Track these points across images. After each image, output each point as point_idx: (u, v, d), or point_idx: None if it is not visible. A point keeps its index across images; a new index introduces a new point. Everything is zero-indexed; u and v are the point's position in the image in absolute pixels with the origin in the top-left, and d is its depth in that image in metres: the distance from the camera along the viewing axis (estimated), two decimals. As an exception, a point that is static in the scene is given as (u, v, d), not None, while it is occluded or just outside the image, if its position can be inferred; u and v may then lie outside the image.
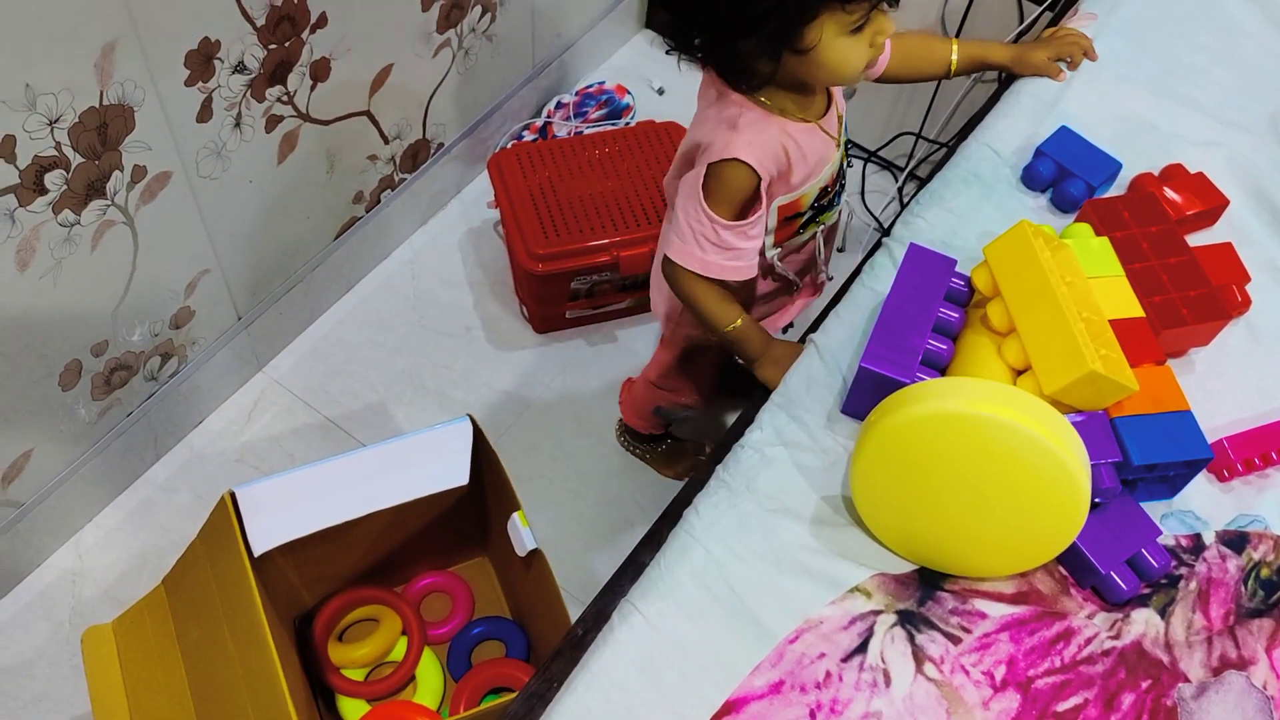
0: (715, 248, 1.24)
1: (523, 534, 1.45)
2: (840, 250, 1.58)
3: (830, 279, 1.54)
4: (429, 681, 1.63)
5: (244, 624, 1.33)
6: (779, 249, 1.36)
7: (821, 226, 1.40)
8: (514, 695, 1.30)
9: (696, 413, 1.75)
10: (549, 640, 1.49)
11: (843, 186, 1.40)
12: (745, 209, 1.24)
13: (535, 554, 1.45)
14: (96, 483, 1.74)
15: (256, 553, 1.34)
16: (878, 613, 1.02)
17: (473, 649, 1.69)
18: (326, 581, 1.62)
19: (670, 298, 1.49)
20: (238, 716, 1.35)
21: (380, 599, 1.67)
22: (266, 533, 1.35)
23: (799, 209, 1.31)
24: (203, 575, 1.41)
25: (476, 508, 1.61)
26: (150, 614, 1.52)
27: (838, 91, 1.29)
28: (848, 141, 1.39)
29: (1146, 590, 1.05)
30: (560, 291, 1.96)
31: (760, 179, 1.20)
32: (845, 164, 1.39)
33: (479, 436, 1.46)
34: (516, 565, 1.55)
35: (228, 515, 1.34)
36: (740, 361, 1.35)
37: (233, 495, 1.35)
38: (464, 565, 1.76)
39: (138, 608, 1.54)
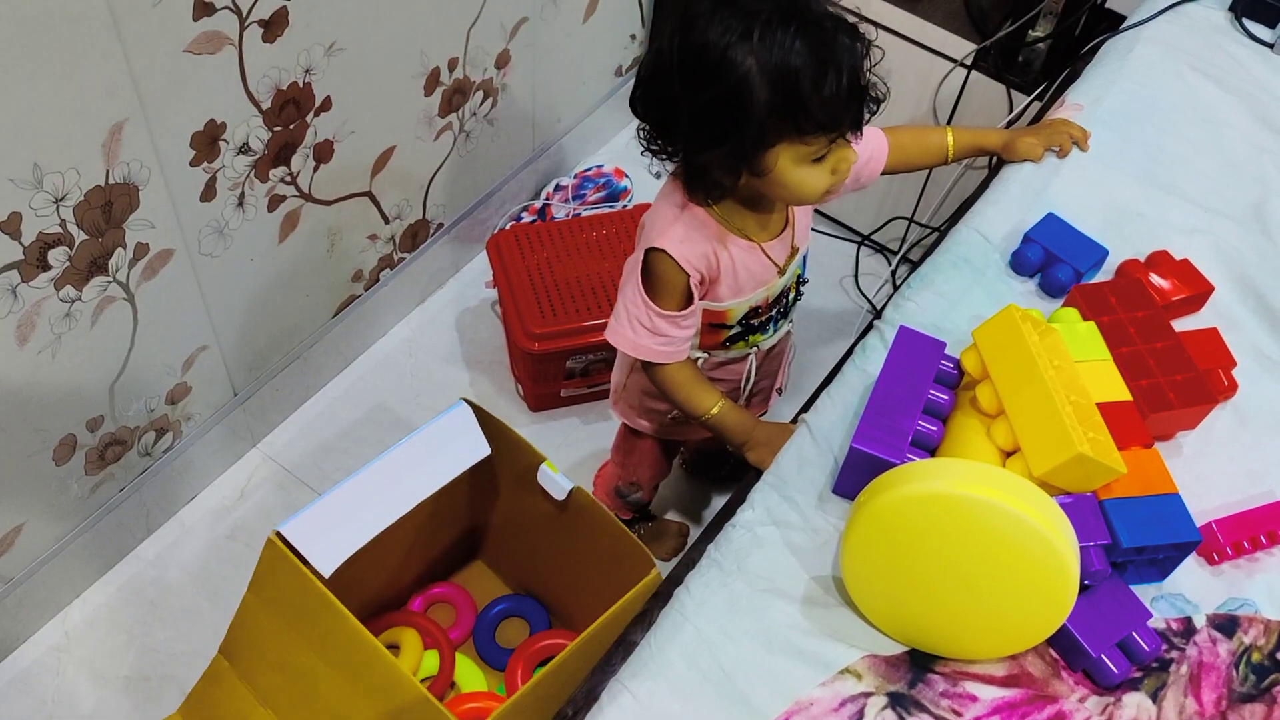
0: (647, 331, 1.25)
1: (556, 479, 1.47)
2: (780, 392, 1.58)
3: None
4: (470, 681, 1.66)
5: (338, 640, 1.34)
6: (705, 355, 1.38)
7: (755, 348, 1.40)
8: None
9: (642, 494, 1.76)
10: (609, 573, 1.46)
11: (781, 314, 1.39)
12: (685, 299, 1.25)
13: (573, 495, 1.47)
14: (86, 558, 1.74)
15: (326, 574, 1.34)
16: (868, 695, 1.02)
17: (496, 629, 1.75)
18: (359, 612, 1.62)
19: (620, 369, 1.51)
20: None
21: (394, 622, 1.69)
22: (329, 553, 1.35)
23: (724, 320, 1.32)
24: (268, 623, 1.41)
25: (474, 503, 1.67)
26: (216, 686, 1.52)
27: (801, 224, 1.31)
28: (801, 276, 1.38)
29: (1138, 674, 1.05)
30: (556, 370, 1.97)
31: (688, 275, 1.21)
32: (794, 295, 1.38)
33: (481, 413, 1.48)
34: (540, 526, 1.58)
35: (281, 554, 1.34)
36: (729, 448, 1.35)
37: (279, 535, 1.35)
38: (456, 575, 1.82)
39: (200, 686, 1.55)
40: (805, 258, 1.37)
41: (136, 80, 1.34)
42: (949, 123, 2.07)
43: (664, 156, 1.18)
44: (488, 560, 1.83)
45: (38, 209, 1.32)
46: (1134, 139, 1.57)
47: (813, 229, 2.32)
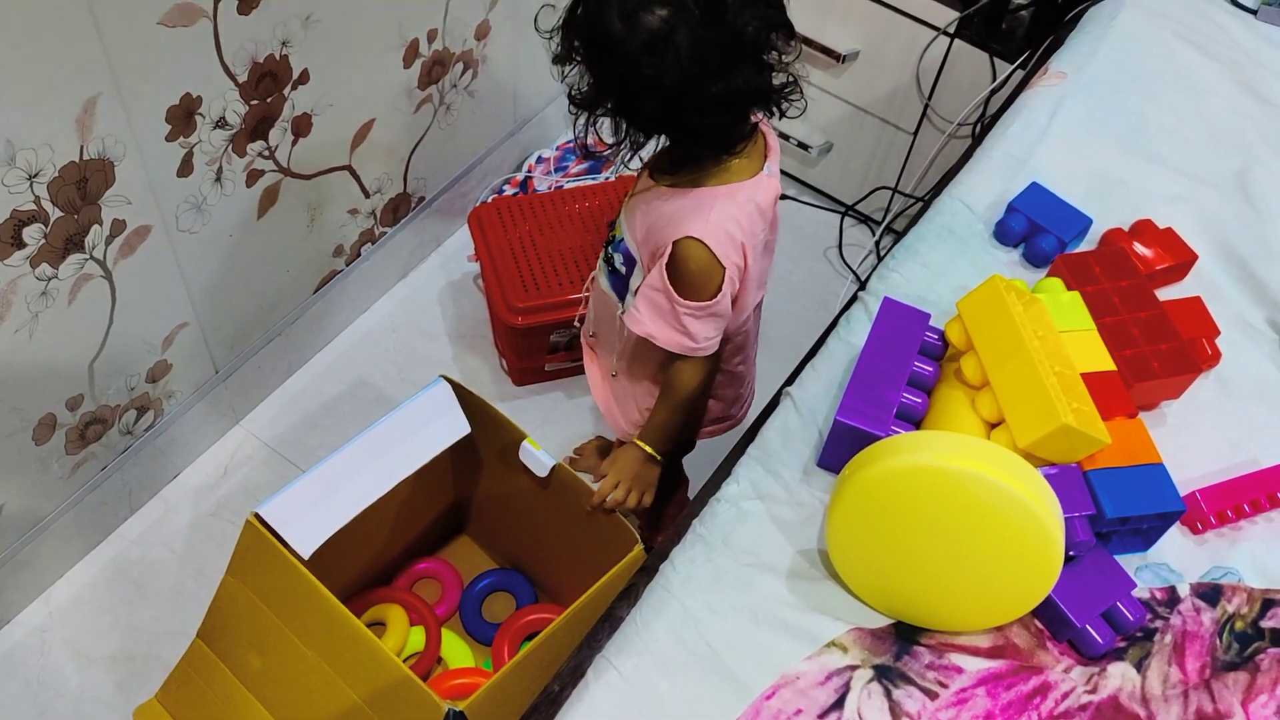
0: None
1: (538, 456, 1.47)
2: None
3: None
4: (456, 656, 1.67)
5: (319, 621, 1.33)
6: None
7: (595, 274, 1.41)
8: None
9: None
10: (594, 548, 1.47)
11: (606, 257, 1.35)
12: None
13: (555, 471, 1.47)
14: (69, 538, 1.72)
15: (305, 555, 1.33)
16: (854, 668, 1.02)
17: (482, 604, 1.75)
18: (344, 589, 1.64)
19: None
20: (342, 709, 1.35)
21: (379, 599, 1.69)
22: (308, 534, 1.34)
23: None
24: (247, 606, 1.41)
25: (458, 478, 1.67)
26: (195, 670, 1.51)
27: (632, 212, 1.26)
28: (611, 252, 1.33)
29: (1122, 643, 1.05)
30: (539, 344, 1.96)
31: None
32: (620, 238, 1.31)
33: (460, 390, 1.48)
34: (524, 501, 1.58)
35: (260, 536, 1.33)
36: None
37: (258, 516, 1.34)
38: (442, 551, 1.83)
39: (179, 671, 1.54)
40: (623, 247, 1.29)
41: (109, 54, 1.32)
42: (930, 94, 2.06)
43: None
44: (473, 535, 1.83)
45: (11, 185, 1.30)
46: (1117, 107, 1.56)
47: (796, 199, 2.30)
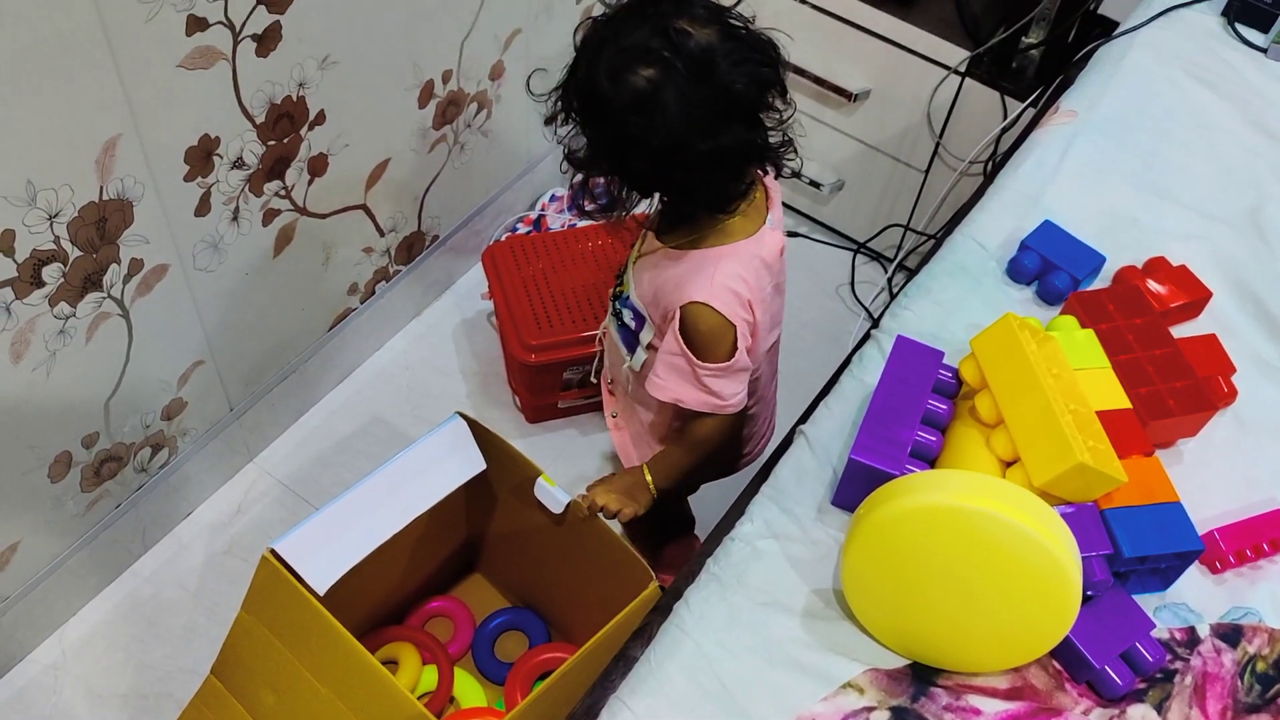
0: None
1: (553, 493, 1.45)
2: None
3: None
4: (469, 696, 1.66)
5: (334, 658, 1.33)
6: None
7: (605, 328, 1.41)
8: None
9: None
10: (608, 586, 1.45)
11: (614, 310, 1.35)
12: None
13: (571, 508, 1.46)
14: (82, 575, 1.73)
15: (322, 591, 1.33)
16: (871, 709, 1.01)
17: (495, 643, 1.74)
18: (357, 628, 1.62)
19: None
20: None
21: (392, 637, 1.68)
22: (325, 570, 1.34)
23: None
24: (262, 642, 1.41)
25: (471, 515, 1.66)
26: (209, 706, 1.51)
27: (641, 273, 1.28)
28: (619, 307, 1.34)
29: (1142, 685, 1.04)
30: (553, 381, 1.97)
31: None
32: (614, 307, 1.36)
33: (476, 426, 1.48)
34: (538, 538, 1.57)
35: (276, 572, 1.33)
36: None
37: (274, 552, 1.34)
38: (454, 589, 1.82)
39: (192, 707, 1.54)
40: (630, 304, 1.31)
41: (129, 96, 1.34)
42: (941, 133, 2.07)
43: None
44: (486, 573, 1.82)
45: (31, 226, 1.31)
46: (1129, 145, 1.56)
47: (808, 236, 2.32)
